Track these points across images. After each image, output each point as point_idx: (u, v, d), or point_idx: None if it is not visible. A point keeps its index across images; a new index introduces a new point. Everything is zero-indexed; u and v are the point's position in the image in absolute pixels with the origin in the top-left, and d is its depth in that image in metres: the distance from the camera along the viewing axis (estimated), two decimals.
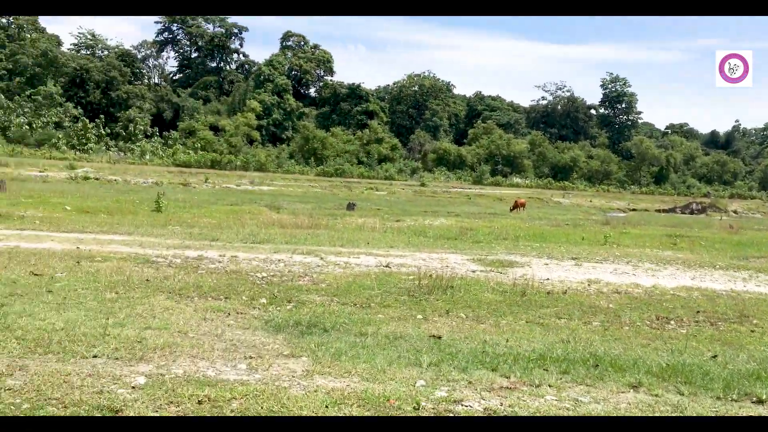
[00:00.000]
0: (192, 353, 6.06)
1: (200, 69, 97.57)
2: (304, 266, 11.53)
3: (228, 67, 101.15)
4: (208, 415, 4.47)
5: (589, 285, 11.45)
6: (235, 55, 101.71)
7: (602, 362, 6.56)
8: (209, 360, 5.93)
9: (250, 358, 6.10)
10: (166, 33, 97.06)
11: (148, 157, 67.18)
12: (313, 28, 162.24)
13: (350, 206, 30.18)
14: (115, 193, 28.96)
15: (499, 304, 9.37)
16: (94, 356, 5.68)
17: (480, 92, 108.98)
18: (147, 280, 9.26)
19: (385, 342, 6.98)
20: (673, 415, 5.14)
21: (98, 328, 6.53)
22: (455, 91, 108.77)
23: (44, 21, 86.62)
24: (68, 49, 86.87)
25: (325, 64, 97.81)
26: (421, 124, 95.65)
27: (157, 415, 4.45)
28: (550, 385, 5.76)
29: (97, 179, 39.99)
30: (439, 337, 7.35)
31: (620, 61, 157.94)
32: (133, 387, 4.95)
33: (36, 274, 9.02)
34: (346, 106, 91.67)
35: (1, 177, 31.22)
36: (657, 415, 5.12)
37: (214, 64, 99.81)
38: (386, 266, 12.06)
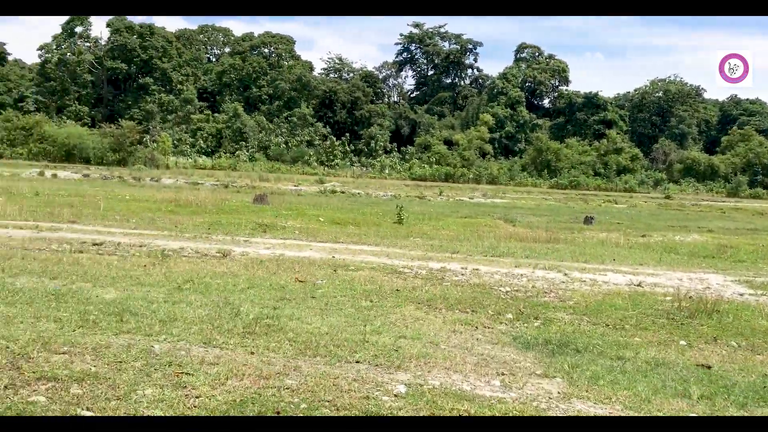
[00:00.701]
0: (445, 365, 6.13)
1: (436, 86, 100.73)
2: (547, 282, 11.20)
3: (462, 82, 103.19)
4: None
5: None
6: (469, 71, 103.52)
7: None
8: (462, 373, 5.96)
9: (503, 374, 6.02)
10: (405, 53, 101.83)
11: (387, 171, 70.94)
12: (547, 38, 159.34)
13: (588, 220, 28.92)
14: (360, 206, 30.82)
15: None
16: (357, 361, 5.99)
17: (735, 95, 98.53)
18: (397, 290, 9.63)
19: (646, 368, 6.48)
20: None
21: (358, 334, 6.89)
22: (705, 96, 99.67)
23: (299, 49, 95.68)
24: (319, 74, 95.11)
25: (561, 73, 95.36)
26: (666, 132, 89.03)
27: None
28: None
29: (343, 192, 42.99)
30: (709, 367, 6.65)
31: None
32: (396, 395, 5.11)
33: (300, 281, 9.83)
34: (581, 115, 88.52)
35: (264, 191, 34.96)
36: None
37: (449, 81, 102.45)
38: (638, 285, 11.27)
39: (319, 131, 79.18)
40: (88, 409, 4.31)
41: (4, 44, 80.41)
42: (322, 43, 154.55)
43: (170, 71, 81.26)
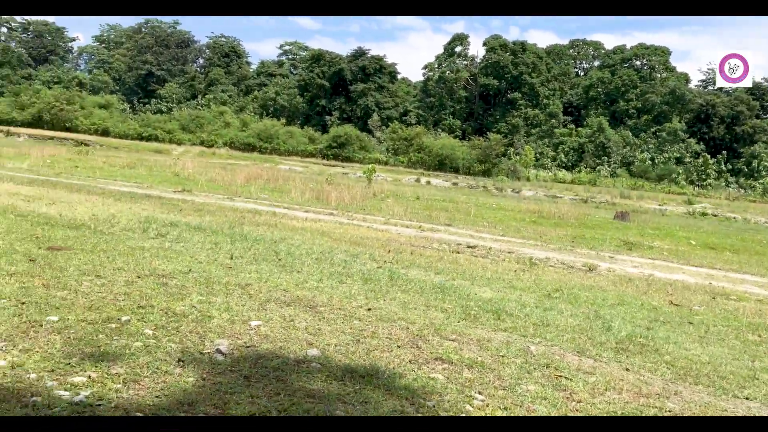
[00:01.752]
0: None
1: None
2: None
3: None
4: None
5: None
6: None
7: None
8: None
9: None
10: None
11: None
12: None
13: None
14: (736, 231, 27.72)
15: None
16: (746, 398, 5.47)
17: None
18: None
19: None
20: None
21: (745, 369, 6.28)
22: None
23: (674, 60, 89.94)
24: (695, 86, 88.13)
25: None
26: None
27: None
28: None
29: (714, 215, 39.12)
30: None
31: None
32: None
33: (674, 304, 9.30)
34: None
35: (625, 208, 33.69)
36: None
37: None
38: None
39: (690, 148, 73.35)
40: (479, 393, 4.73)
41: (396, 65, 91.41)
42: (700, 53, 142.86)
43: (538, 86, 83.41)
